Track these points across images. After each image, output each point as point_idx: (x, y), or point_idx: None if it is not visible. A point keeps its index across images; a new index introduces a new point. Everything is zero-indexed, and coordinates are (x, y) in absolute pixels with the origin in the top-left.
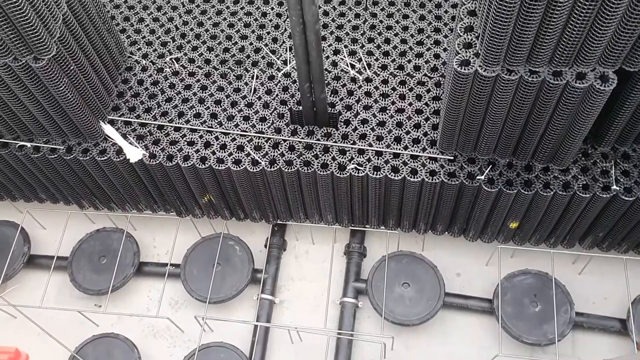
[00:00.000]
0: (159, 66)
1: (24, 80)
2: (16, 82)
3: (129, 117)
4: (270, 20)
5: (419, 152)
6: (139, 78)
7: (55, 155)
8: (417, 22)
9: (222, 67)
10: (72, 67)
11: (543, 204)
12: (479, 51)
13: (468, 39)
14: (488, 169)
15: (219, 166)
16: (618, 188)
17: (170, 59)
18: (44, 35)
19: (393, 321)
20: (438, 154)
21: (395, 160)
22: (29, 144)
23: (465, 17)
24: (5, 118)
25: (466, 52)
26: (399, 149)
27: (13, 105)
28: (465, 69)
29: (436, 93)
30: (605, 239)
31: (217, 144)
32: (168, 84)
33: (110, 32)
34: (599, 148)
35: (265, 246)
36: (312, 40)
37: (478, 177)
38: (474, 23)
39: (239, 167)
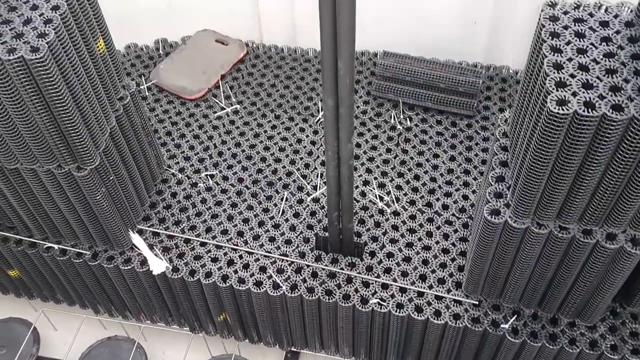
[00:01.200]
0: (194, 181)
1: (64, 186)
2: (56, 187)
3: (157, 228)
4: (304, 147)
5: (444, 293)
6: (173, 191)
7: (81, 260)
8: (447, 162)
9: (254, 186)
10: (111, 178)
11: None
12: (510, 202)
13: (499, 188)
14: (513, 319)
15: (239, 286)
16: None
17: (205, 175)
18: (91, 147)
19: None
20: (463, 297)
21: (419, 299)
22: (56, 246)
23: (497, 166)
24: (37, 219)
25: (497, 201)
26: (424, 288)
27: (48, 208)
28: (495, 219)
29: (463, 234)
30: None
31: (241, 262)
32: (200, 199)
33: (152, 145)
34: (628, 308)
35: None
36: (345, 174)
37: (502, 326)
38: (505, 174)
39: (260, 290)
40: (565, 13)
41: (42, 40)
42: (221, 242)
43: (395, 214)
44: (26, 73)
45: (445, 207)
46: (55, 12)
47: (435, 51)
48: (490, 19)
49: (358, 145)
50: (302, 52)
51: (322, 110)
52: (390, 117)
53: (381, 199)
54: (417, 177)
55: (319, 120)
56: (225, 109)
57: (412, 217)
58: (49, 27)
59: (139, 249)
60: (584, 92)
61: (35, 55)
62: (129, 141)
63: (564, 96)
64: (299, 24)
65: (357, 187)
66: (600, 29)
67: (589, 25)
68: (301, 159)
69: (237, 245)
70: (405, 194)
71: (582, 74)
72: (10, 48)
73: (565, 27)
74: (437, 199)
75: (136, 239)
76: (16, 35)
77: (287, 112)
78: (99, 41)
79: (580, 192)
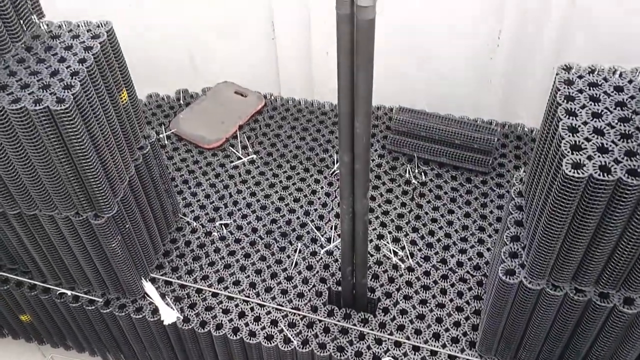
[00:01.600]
0: (208, 229)
1: (80, 233)
2: (72, 233)
3: (170, 277)
4: (319, 199)
5: (458, 352)
6: (187, 239)
7: (93, 307)
8: (462, 219)
9: (267, 237)
10: (127, 226)
11: None
12: (525, 262)
13: (514, 248)
14: None
15: (250, 339)
16: None
17: (220, 224)
18: (109, 195)
19: None
20: (477, 358)
21: (433, 359)
22: (69, 292)
23: (512, 226)
24: (52, 264)
25: (511, 261)
26: (437, 347)
27: (63, 253)
28: (510, 279)
29: (478, 292)
30: None
31: (252, 315)
32: (213, 248)
33: (168, 193)
34: None
35: None
36: (360, 229)
37: None
38: (520, 233)
39: (271, 344)
40: (580, 77)
41: (68, 92)
42: (233, 294)
43: (410, 269)
44: (51, 123)
45: (459, 264)
46: (82, 65)
47: (451, 107)
48: (505, 78)
49: (373, 199)
50: (319, 105)
51: (337, 163)
52: (405, 171)
53: (395, 254)
54: (431, 233)
55: (334, 172)
56: (241, 158)
57: (427, 274)
58: (75, 79)
59: (150, 298)
60: (599, 156)
61: (61, 106)
62: (147, 190)
63: (580, 159)
64: (317, 78)
65: (371, 240)
66: (615, 94)
67: (604, 89)
68: (315, 210)
69: (249, 297)
70: (419, 250)
71: (597, 138)
72: (37, 98)
73: (580, 91)
74: (452, 256)
75: (148, 288)
76: (43, 86)
77: (303, 163)
78: (123, 92)
79: (596, 254)
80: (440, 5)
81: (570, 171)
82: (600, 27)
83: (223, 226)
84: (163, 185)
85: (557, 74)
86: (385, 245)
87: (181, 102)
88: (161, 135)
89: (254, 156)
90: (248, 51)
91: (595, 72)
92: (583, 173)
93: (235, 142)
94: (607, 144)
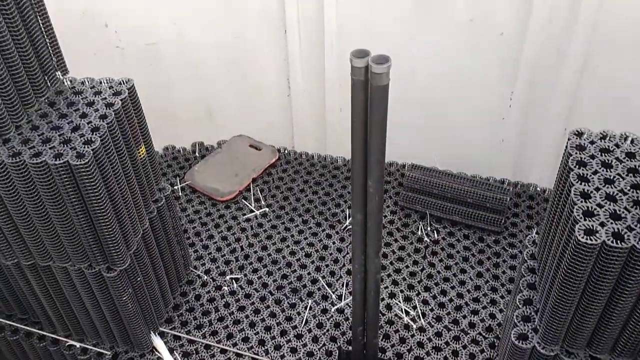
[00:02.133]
0: (219, 283)
1: (92, 285)
2: (84, 285)
3: (179, 332)
4: (331, 254)
5: None
6: (197, 293)
7: None
8: (474, 278)
9: (278, 292)
10: (139, 279)
11: None
12: (538, 327)
13: (527, 312)
14: None
15: None
16: None
17: (230, 278)
18: (123, 248)
19: None
20: None
21: None
22: (78, 345)
23: (524, 289)
24: (63, 315)
25: (524, 325)
26: None
27: (74, 305)
28: (522, 344)
29: (490, 354)
30: None
31: None
32: (223, 303)
33: (180, 245)
34: None
35: None
36: (372, 288)
37: None
38: (533, 297)
39: None
40: (592, 142)
41: (88, 147)
42: (242, 351)
43: (421, 330)
44: (70, 177)
45: (472, 325)
46: (103, 121)
47: (463, 165)
48: (517, 138)
49: (385, 256)
50: (332, 159)
51: (349, 218)
52: (418, 228)
53: (407, 313)
54: (443, 292)
55: (346, 227)
56: (254, 211)
57: (438, 335)
58: (95, 134)
59: (159, 353)
60: (612, 223)
61: (81, 161)
62: (160, 242)
63: (592, 226)
64: (330, 133)
65: (382, 299)
66: (627, 160)
67: (616, 155)
68: (327, 266)
69: (257, 354)
70: (431, 310)
71: (609, 204)
72: (57, 153)
73: (592, 157)
74: (464, 316)
75: (157, 342)
76: (64, 140)
77: (315, 217)
78: (141, 147)
79: (611, 322)
80: (454, 65)
81: (583, 237)
82: (609, 91)
83: (233, 280)
84: (175, 237)
85: (568, 139)
86: (397, 304)
87: (197, 154)
88: (176, 187)
89: (267, 209)
90: (263, 106)
91: (607, 138)
92: (596, 240)
93: (248, 195)
94: (619, 211)
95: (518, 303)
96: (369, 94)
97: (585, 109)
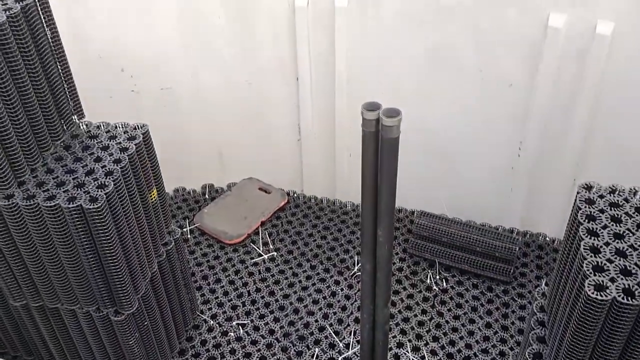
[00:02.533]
0: (225, 329)
1: (99, 328)
2: (91, 328)
3: None
4: (339, 301)
5: None
6: (203, 338)
7: None
8: (483, 329)
9: (284, 339)
10: (146, 323)
11: None
12: None
13: None
14: None
15: None
16: None
17: (237, 324)
18: (131, 292)
19: None
20: None
21: None
22: None
23: (534, 342)
24: (67, 356)
25: None
26: None
27: (79, 346)
28: None
29: None
30: None
31: None
32: (229, 349)
33: (188, 289)
34: None
35: None
36: (380, 338)
37: None
38: (542, 350)
39: None
40: (601, 197)
41: (101, 191)
42: None
43: None
44: (82, 221)
45: None
46: (117, 165)
47: (472, 213)
48: (526, 188)
49: (393, 304)
50: (341, 204)
51: (358, 264)
52: (427, 277)
53: None
54: (452, 343)
55: (354, 274)
56: (262, 255)
57: None
58: (109, 178)
59: None
60: (622, 279)
61: (93, 205)
62: (167, 286)
63: (602, 281)
64: (339, 178)
65: (390, 348)
66: (636, 215)
67: (625, 210)
68: (334, 314)
69: None
70: None
71: (619, 260)
72: (71, 196)
73: (602, 211)
74: None
75: None
76: (78, 184)
77: (323, 262)
78: (153, 191)
79: None
80: (463, 115)
81: (593, 293)
82: (619, 142)
83: (240, 326)
84: (183, 281)
85: (577, 192)
86: (405, 354)
87: (206, 196)
88: (185, 229)
89: (275, 253)
90: (274, 150)
91: (616, 192)
92: (606, 296)
93: (257, 239)
94: (630, 267)
95: (527, 356)
96: (380, 146)
97: (595, 160)
